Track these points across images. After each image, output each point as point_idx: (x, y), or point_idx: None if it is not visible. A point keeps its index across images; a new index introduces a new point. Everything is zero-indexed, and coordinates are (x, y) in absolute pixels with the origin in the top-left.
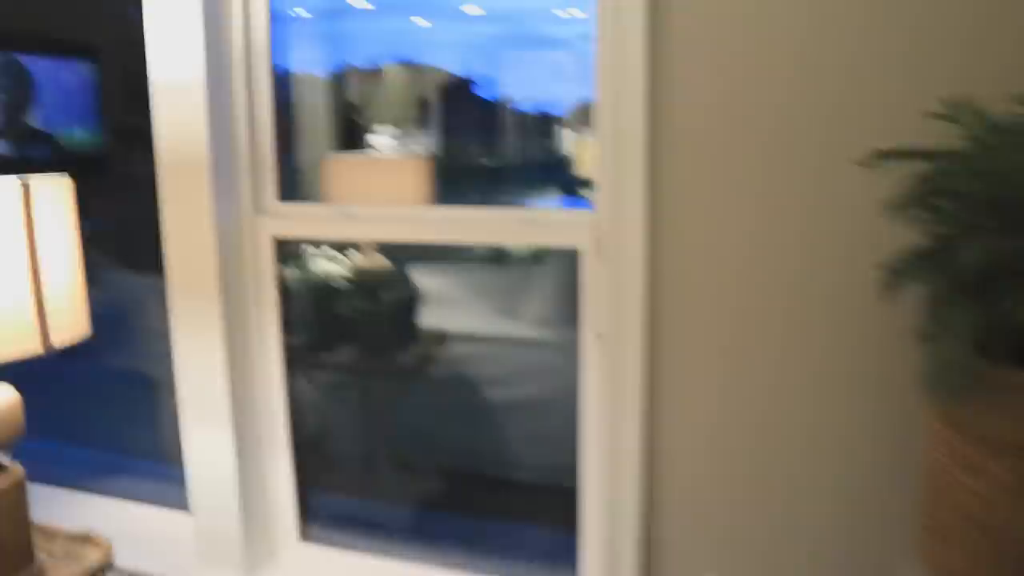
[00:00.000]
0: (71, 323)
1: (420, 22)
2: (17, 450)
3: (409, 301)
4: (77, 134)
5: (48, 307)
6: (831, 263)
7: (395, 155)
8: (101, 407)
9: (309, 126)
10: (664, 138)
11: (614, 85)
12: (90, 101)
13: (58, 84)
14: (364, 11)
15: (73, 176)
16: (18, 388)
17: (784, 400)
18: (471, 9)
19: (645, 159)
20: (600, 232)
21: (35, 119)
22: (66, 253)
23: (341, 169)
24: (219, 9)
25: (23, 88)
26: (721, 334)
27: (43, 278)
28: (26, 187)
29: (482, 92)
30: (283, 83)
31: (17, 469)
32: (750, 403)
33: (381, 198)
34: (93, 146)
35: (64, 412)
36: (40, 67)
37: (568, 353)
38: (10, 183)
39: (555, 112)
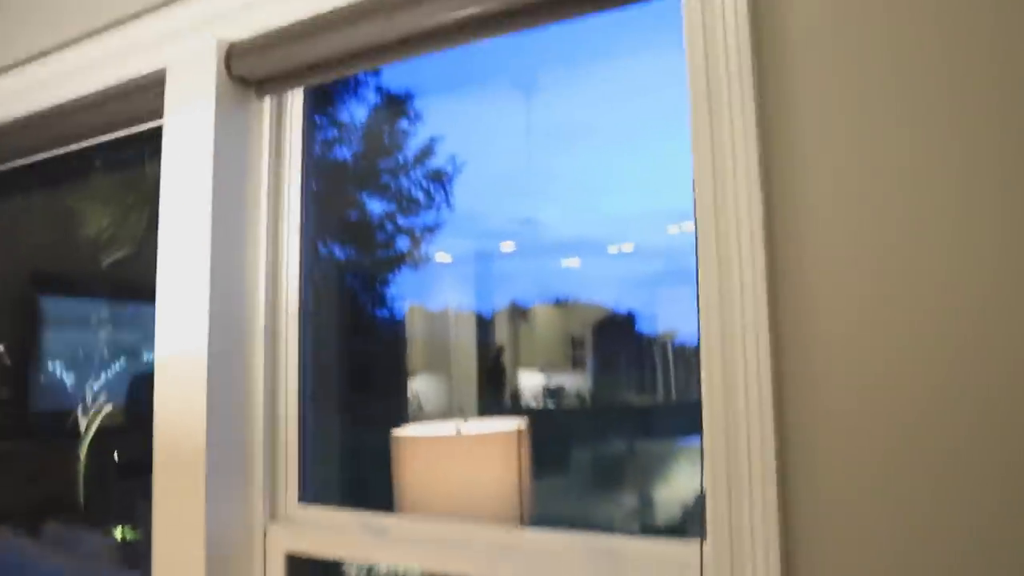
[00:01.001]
0: None
1: (570, 263)
2: None
3: None
4: None
5: None
6: None
7: (481, 430)
8: None
9: (455, 369)
10: (791, 457)
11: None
12: None
13: None
14: (510, 254)
15: None
16: None
17: None
18: (624, 247)
19: (772, 477)
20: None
21: None
22: None
23: (412, 450)
24: (235, 265)
25: None
26: None
27: None
28: None
29: (639, 327)
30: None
31: None
32: None
33: (454, 489)
34: None
35: None
36: None
37: None
38: None
39: None
